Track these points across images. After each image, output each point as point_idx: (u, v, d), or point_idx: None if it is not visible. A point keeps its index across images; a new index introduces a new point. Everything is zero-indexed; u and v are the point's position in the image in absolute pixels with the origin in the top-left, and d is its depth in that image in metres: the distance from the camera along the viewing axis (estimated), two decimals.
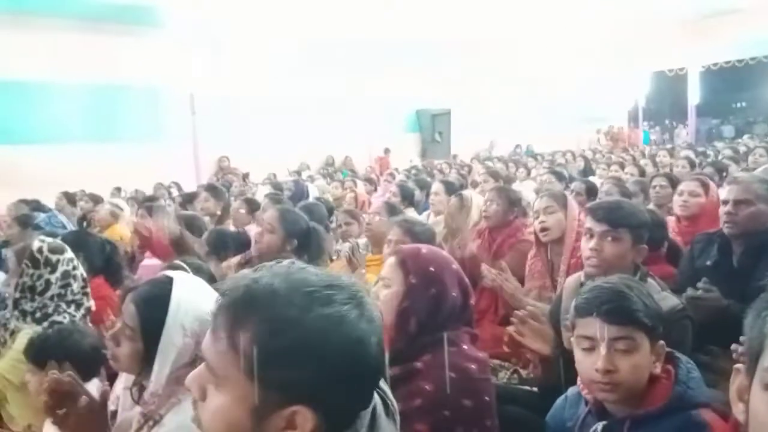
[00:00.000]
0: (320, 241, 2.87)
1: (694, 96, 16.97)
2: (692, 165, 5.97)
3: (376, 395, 0.84)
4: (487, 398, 1.59)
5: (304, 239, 2.78)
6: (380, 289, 1.67)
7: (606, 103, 17.15)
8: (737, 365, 0.70)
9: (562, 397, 1.58)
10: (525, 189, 5.26)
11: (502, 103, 14.59)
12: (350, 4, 9.82)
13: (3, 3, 8.65)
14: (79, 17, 9.42)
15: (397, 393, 1.51)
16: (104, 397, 1.36)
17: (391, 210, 3.37)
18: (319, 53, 11.56)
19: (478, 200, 3.45)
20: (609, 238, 1.98)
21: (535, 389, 2.10)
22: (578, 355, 1.42)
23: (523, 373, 2.35)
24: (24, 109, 9.38)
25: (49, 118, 9.63)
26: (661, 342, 1.39)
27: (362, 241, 3.48)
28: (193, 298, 1.34)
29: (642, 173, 5.85)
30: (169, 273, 1.42)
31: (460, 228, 3.12)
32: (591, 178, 5.72)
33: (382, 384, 0.85)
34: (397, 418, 0.86)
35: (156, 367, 1.29)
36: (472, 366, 1.59)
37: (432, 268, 1.63)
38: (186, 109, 10.25)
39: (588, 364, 1.38)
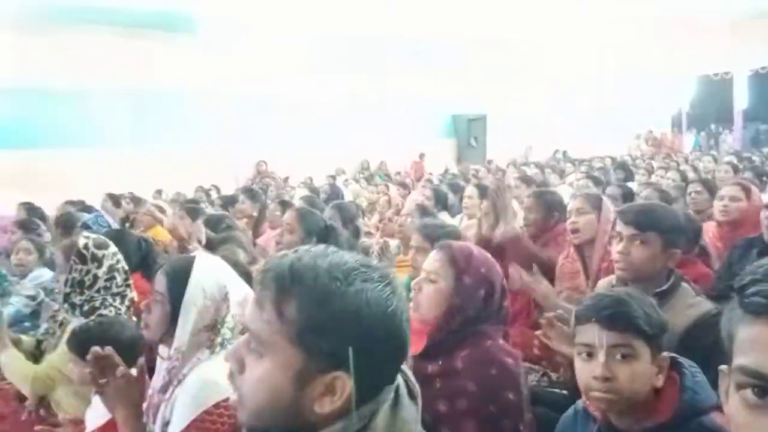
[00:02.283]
0: (338, 237, 2.97)
1: (741, 100, 16.39)
2: (735, 170, 5.82)
3: (399, 377, 0.87)
4: (525, 391, 1.63)
5: (323, 237, 2.90)
6: (424, 282, 1.71)
7: (649, 107, 16.72)
8: (722, 366, 0.70)
9: (571, 411, 1.53)
10: (561, 194, 5.19)
11: (539, 107, 14.39)
12: (388, 8, 9.89)
13: (45, 13, 9.01)
14: (119, 24, 9.73)
15: (438, 391, 1.56)
16: (141, 369, 1.50)
17: (424, 212, 3.36)
18: (357, 58, 11.67)
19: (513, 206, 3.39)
20: (637, 242, 1.93)
21: (564, 392, 2.10)
22: (578, 364, 1.39)
23: (554, 376, 2.35)
24: (69, 114, 9.69)
25: (94, 123, 9.94)
26: (664, 354, 1.35)
27: (395, 242, 3.50)
28: (213, 269, 1.58)
29: (684, 179, 5.73)
30: (194, 253, 1.69)
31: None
32: (630, 184, 5.62)
33: (404, 368, 0.89)
34: (419, 401, 0.89)
35: (180, 322, 1.50)
36: (509, 360, 1.62)
37: (483, 270, 1.68)
38: (226, 113, 10.51)
39: (587, 372, 1.35)
